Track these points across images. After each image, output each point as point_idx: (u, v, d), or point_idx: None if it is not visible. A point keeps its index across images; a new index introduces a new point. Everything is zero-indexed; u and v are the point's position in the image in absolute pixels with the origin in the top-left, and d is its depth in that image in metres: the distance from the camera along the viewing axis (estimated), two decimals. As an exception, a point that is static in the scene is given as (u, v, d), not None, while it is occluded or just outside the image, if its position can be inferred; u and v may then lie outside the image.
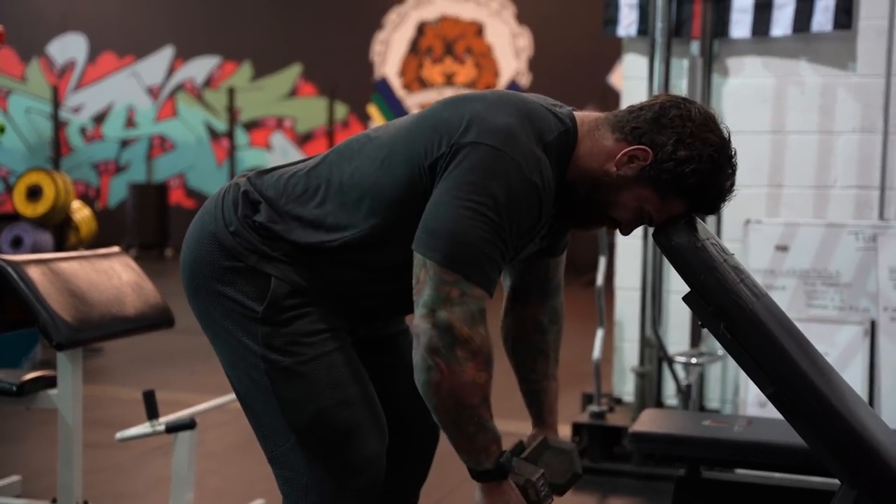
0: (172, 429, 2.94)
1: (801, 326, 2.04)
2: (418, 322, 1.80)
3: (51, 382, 3.01)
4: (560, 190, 1.91)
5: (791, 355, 1.85)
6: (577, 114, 1.95)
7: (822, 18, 4.12)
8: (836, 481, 1.95)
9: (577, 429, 4.16)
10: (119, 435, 2.96)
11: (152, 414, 2.93)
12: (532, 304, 2.20)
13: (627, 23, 4.39)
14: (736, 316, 1.84)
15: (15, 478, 3.54)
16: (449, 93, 12.37)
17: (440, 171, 1.83)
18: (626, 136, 1.89)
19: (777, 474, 3.20)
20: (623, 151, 1.87)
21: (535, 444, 2.17)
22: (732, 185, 1.92)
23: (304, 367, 1.93)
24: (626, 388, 4.49)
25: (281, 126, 13.02)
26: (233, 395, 2.08)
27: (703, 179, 1.86)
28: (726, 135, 1.90)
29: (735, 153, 1.90)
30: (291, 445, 1.95)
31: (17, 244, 6.50)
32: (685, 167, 1.84)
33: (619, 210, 1.92)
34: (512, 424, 4.81)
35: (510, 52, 12.19)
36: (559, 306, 2.22)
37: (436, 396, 1.80)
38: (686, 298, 1.91)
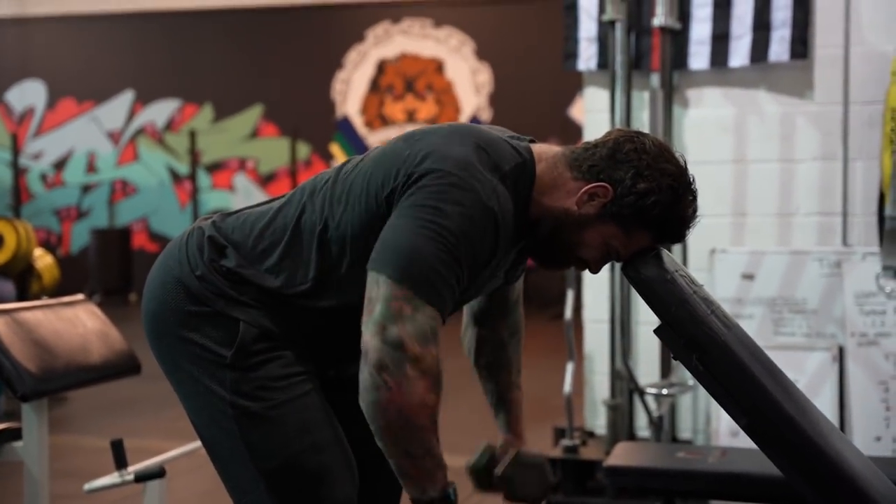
0: (142, 478, 2.89)
1: (769, 354, 2.04)
2: (367, 339, 1.74)
3: (16, 435, 2.96)
4: (523, 227, 1.91)
5: (764, 385, 1.85)
6: (535, 148, 1.95)
7: (779, 48, 4.17)
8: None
9: (551, 463, 4.11)
10: (87, 486, 2.91)
11: (121, 463, 2.88)
12: (491, 323, 2.21)
13: (587, 56, 4.42)
14: (708, 347, 1.84)
15: (-20, 533, 3.47)
16: (411, 129, 12.32)
17: (397, 199, 1.82)
18: (583, 174, 1.89)
19: (752, 504, 3.20)
20: (583, 190, 1.88)
21: (507, 459, 2.16)
22: (695, 211, 1.93)
23: (274, 411, 1.90)
24: (598, 420, 4.48)
25: (244, 167, 12.99)
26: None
27: (665, 210, 1.87)
28: (683, 163, 1.91)
29: (694, 180, 1.91)
30: (261, 493, 1.91)
31: (-22, 294, 6.41)
32: (646, 199, 1.85)
33: (584, 249, 1.93)
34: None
35: (470, 87, 12.25)
36: (518, 318, 2.24)
37: (383, 416, 1.73)
38: (658, 331, 1.91)
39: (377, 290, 1.76)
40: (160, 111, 13.23)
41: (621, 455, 2.73)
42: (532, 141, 1.99)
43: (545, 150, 1.95)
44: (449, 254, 1.76)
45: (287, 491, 1.90)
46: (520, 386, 2.25)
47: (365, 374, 1.74)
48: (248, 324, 1.91)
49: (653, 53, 4.26)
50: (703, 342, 1.84)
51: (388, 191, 1.83)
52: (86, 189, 13.51)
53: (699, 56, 4.28)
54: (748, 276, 4.19)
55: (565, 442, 4.17)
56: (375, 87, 12.53)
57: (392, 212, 1.82)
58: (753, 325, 4.11)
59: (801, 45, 4.15)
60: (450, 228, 1.76)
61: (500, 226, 1.83)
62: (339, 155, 12.55)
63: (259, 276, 1.93)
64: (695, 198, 1.91)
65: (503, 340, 2.22)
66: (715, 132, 4.33)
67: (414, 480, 1.78)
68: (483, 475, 2.17)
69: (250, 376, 1.90)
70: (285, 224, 1.94)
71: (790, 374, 2.16)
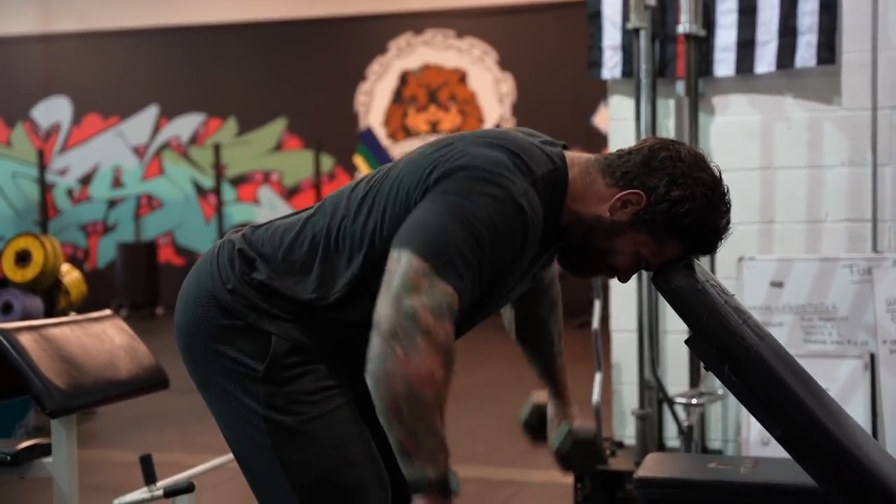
0: (171, 493, 2.90)
1: (800, 362, 2.03)
2: (380, 309, 1.71)
3: (45, 450, 2.97)
4: (555, 233, 1.90)
5: (798, 395, 1.83)
6: (568, 154, 1.94)
7: (806, 54, 4.14)
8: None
9: (580, 475, 4.10)
10: (117, 501, 2.91)
11: (150, 478, 2.89)
12: (528, 302, 2.24)
13: (611, 65, 4.40)
14: (740, 358, 1.82)
15: (11, 549, 3.48)
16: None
17: (428, 192, 1.81)
18: (617, 180, 1.88)
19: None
20: (616, 197, 1.86)
21: (561, 436, 2.25)
22: (728, 222, 1.91)
23: (307, 426, 1.89)
24: (627, 431, 4.45)
25: (268, 180, 13.02)
26: (230, 455, 2.04)
27: (698, 219, 1.85)
28: (718, 173, 1.90)
29: (728, 191, 1.90)
30: (294, 507, 1.91)
31: (7, 310, 6.45)
32: (680, 208, 1.84)
33: (615, 256, 1.91)
34: (514, 472, 4.77)
35: (494, 97, 12.25)
36: (556, 293, 2.27)
37: (388, 388, 1.67)
38: (689, 342, 1.89)
39: (397, 265, 1.73)
40: (184, 125, 13.29)
41: (652, 466, 2.70)
42: (565, 147, 1.97)
43: (578, 157, 1.94)
44: (474, 238, 1.74)
45: (320, 506, 1.89)
46: (563, 352, 2.30)
47: (374, 344, 1.70)
48: (280, 337, 1.90)
49: (678, 61, 4.24)
50: (735, 353, 1.82)
51: (419, 192, 1.82)
52: (112, 204, 13.58)
53: (724, 63, 4.26)
54: (777, 284, 4.16)
55: (594, 453, 4.13)
56: (398, 98, 12.54)
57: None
58: (783, 334, 4.07)
59: (829, 50, 4.12)
60: (477, 215, 1.74)
61: (529, 226, 1.81)
62: (362, 167, 12.56)
63: (290, 287, 1.92)
64: (728, 208, 1.89)
65: (543, 318, 2.25)
66: (741, 139, 4.30)
67: (413, 459, 1.69)
68: (535, 431, 2.35)
69: (283, 390, 1.89)
70: (314, 235, 1.93)
71: (821, 383, 2.14)
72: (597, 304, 4.23)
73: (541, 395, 2.36)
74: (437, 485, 1.68)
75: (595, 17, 4.43)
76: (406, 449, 1.69)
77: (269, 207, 12.80)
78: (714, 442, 4.33)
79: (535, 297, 2.24)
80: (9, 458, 2.92)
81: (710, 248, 1.94)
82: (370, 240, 1.88)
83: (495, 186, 1.77)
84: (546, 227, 1.87)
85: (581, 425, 2.28)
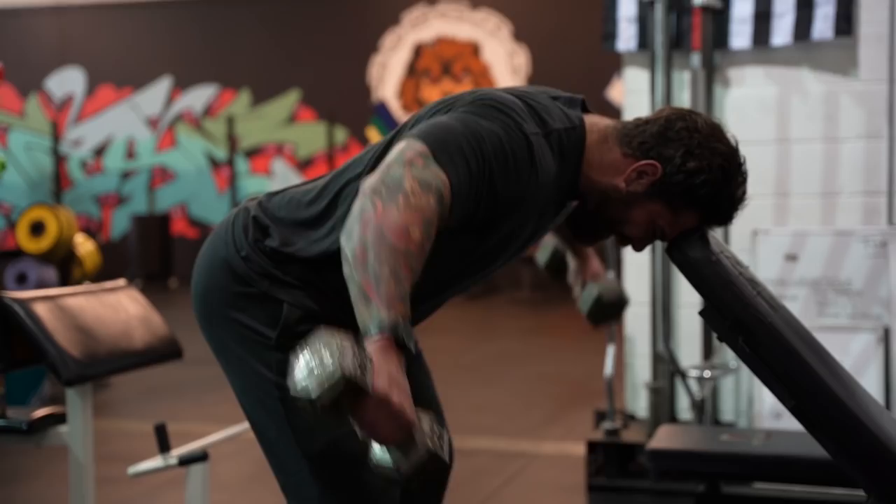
0: (185, 461, 2.91)
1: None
2: (368, 178, 1.66)
3: (61, 419, 2.98)
4: (569, 194, 1.90)
5: (812, 367, 1.83)
6: (588, 119, 1.92)
7: (823, 26, 4.11)
8: (858, 493, 1.92)
9: (592, 447, 4.12)
10: (132, 470, 2.93)
11: (164, 447, 2.90)
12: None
13: (627, 37, 4.37)
14: (754, 329, 1.82)
15: (27, 516, 3.51)
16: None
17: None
18: (633, 150, 1.87)
19: (797, 487, 3.17)
20: (632, 167, 1.86)
21: (590, 300, 2.50)
22: (744, 193, 1.90)
23: (318, 394, 1.89)
24: (640, 403, 4.46)
25: (281, 152, 13.02)
26: (245, 425, 2.05)
27: (714, 190, 1.85)
28: (734, 144, 1.89)
29: (744, 161, 1.89)
30: (305, 474, 1.92)
31: (21, 280, 6.48)
32: (695, 178, 1.83)
33: (630, 226, 1.91)
34: (525, 444, 4.79)
35: (508, 70, 12.20)
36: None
37: (358, 236, 1.59)
38: (703, 313, 1.89)
39: (397, 149, 1.71)
40: (198, 97, 13.28)
41: (664, 438, 2.71)
42: (585, 106, 1.96)
43: (597, 122, 1.92)
44: (478, 144, 1.73)
45: (331, 473, 1.90)
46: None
47: (355, 205, 1.64)
48: (291, 305, 1.91)
49: (693, 33, 4.21)
50: (749, 324, 1.82)
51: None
52: (125, 175, 13.60)
53: (741, 35, 4.23)
54: (791, 258, 4.15)
55: (606, 425, 4.15)
56: (412, 70, 12.51)
57: None
58: (797, 307, 4.06)
59: (846, 22, 4.08)
60: (487, 129, 1.75)
61: (538, 166, 1.79)
62: (375, 139, 12.50)
63: (302, 248, 1.91)
64: (745, 179, 1.88)
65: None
66: (757, 112, 4.28)
67: (368, 303, 1.57)
68: (555, 272, 2.62)
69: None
70: (332, 197, 1.92)
71: (834, 357, 2.13)
72: (610, 277, 4.23)
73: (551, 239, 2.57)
74: (392, 329, 1.57)
75: (610, -12, 4.40)
76: (365, 292, 1.58)
77: (282, 179, 12.80)
78: (726, 415, 4.33)
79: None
80: (25, 426, 2.94)
81: (727, 219, 1.93)
82: None
83: (506, 115, 1.78)
84: (560, 186, 1.86)
85: (606, 286, 2.51)
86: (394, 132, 1.94)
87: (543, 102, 1.88)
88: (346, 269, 1.62)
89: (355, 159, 1.97)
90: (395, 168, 1.64)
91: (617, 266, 4.30)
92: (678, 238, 1.89)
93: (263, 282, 1.93)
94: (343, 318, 1.94)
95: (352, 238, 1.61)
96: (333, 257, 1.87)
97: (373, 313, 1.57)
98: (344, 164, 2.00)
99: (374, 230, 1.58)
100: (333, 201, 1.91)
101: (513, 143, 1.76)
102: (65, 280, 6.64)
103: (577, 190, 1.90)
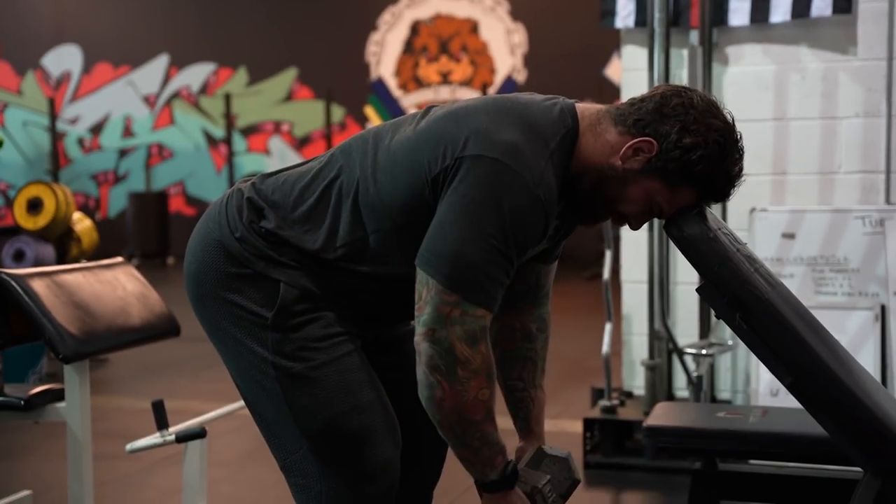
0: (183, 438, 2.92)
1: (811, 314, 2.02)
2: (418, 340, 1.81)
3: (58, 395, 2.98)
4: (564, 186, 1.88)
5: (809, 344, 1.83)
6: (579, 106, 1.92)
7: (822, 3, 4.09)
8: (855, 469, 1.93)
9: (589, 424, 4.13)
10: (129, 446, 2.93)
11: (162, 424, 2.91)
12: (520, 312, 2.14)
13: (625, 14, 4.36)
14: (752, 306, 1.82)
15: (25, 492, 3.51)
16: (445, 91, 12.41)
17: (444, 184, 1.81)
18: (629, 128, 1.86)
19: (794, 464, 3.17)
20: (628, 144, 1.85)
21: (531, 453, 2.10)
22: (741, 169, 1.90)
23: (316, 372, 1.90)
24: (636, 381, 4.46)
25: (278, 130, 12.99)
26: (242, 402, 2.05)
27: (711, 165, 1.84)
28: (730, 119, 1.89)
29: (741, 137, 1.89)
30: (304, 453, 1.92)
31: (19, 258, 6.47)
32: (692, 154, 1.82)
33: (627, 204, 1.90)
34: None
35: (505, 48, 12.16)
36: (546, 315, 2.18)
37: (439, 412, 1.82)
38: (700, 290, 1.89)
39: (427, 292, 1.79)
40: (195, 75, 13.24)
41: (661, 415, 2.71)
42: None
43: (588, 108, 1.93)
44: (496, 251, 1.77)
45: (330, 451, 1.91)
46: (543, 386, 2.18)
47: (420, 373, 1.80)
48: (288, 285, 1.91)
49: (692, 10, 4.19)
50: (746, 301, 1.82)
51: (434, 172, 1.82)
52: (122, 153, 13.58)
53: (739, 12, 4.21)
54: (789, 236, 4.15)
55: (603, 402, 4.16)
56: (409, 48, 12.47)
57: (438, 194, 1.81)
58: (794, 285, 4.06)
59: (844, -1, 4.07)
60: (497, 225, 1.76)
61: (548, 212, 1.83)
62: (373, 117, 12.51)
63: (298, 237, 1.92)
64: (741, 155, 1.88)
65: (532, 333, 2.15)
66: (755, 89, 4.27)
67: (474, 466, 1.87)
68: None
69: (291, 337, 1.90)
70: (324, 186, 1.93)
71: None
72: (608, 255, 4.23)
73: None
74: (501, 483, 1.88)
75: (609, -35, 4.38)
76: (467, 459, 1.87)
77: (279, 158, 12.78)
78: (723, 393, 4.34)
79: (529, 305, 2.13)
80: (22, 402, 2.94)
81: (724, 195, 1.92)
82: (380, 202, 1.88)
83: (512, 179, 1.78)
84: (560, 191, 1.86)
85: (551, 446, 2.12)
86: (394, 132, 1.93)
87: (538, 118, 1.86)
88: (438, 429, 1.86)
89: (348, 150, 1.95)
90: (438, 332, 1.78)
91: (615, 244, 4.30)
92: (675, 215, 1.89)
93: (259, 262, 1.93)
94: (338, 300, 1.94)
95: (433, 412, 1.83)
96: (323, 256, 1.91)
97: (481, 476, 1.90)
98: (337, 149, 1.99)
99: (451, 410, 1.81)
100: (322, 199, 1.92)
101: (528, 216, 1.80)
102: (62, 257, 6.63)
103: (570, 174, 1.88)
